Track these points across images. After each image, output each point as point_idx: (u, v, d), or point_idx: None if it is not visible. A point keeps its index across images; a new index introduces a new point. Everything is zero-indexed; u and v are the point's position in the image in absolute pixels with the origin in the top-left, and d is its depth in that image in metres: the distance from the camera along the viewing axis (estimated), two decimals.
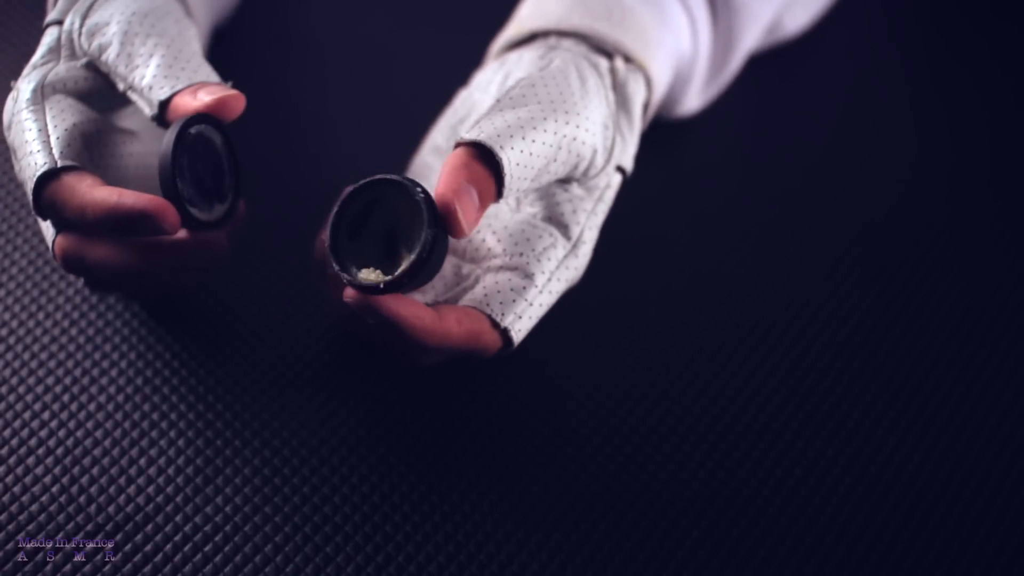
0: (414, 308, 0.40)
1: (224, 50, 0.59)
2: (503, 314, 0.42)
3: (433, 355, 0.44)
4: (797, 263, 0.53)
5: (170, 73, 0.43)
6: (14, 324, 0.50)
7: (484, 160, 0.41)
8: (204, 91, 0.43)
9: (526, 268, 0.43)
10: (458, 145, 0.41)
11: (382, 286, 0.39)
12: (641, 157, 0.51)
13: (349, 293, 0.40)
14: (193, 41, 0.46)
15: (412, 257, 0.40)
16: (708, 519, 0.45)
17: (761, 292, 0.52)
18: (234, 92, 0.43)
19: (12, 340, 0.49)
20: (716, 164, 0.57)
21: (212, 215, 0.44)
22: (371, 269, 0.41)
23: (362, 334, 0.48)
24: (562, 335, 0.50)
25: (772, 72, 0.61)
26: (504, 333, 0.43)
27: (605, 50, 0.48)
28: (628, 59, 0.48)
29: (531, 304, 0.43)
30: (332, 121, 0.57)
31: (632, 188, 0.52)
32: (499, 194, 0.41)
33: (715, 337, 0.50)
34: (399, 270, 0.40)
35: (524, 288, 0.43)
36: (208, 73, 0.44)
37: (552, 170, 0.43)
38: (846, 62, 0.62)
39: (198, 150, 0.43)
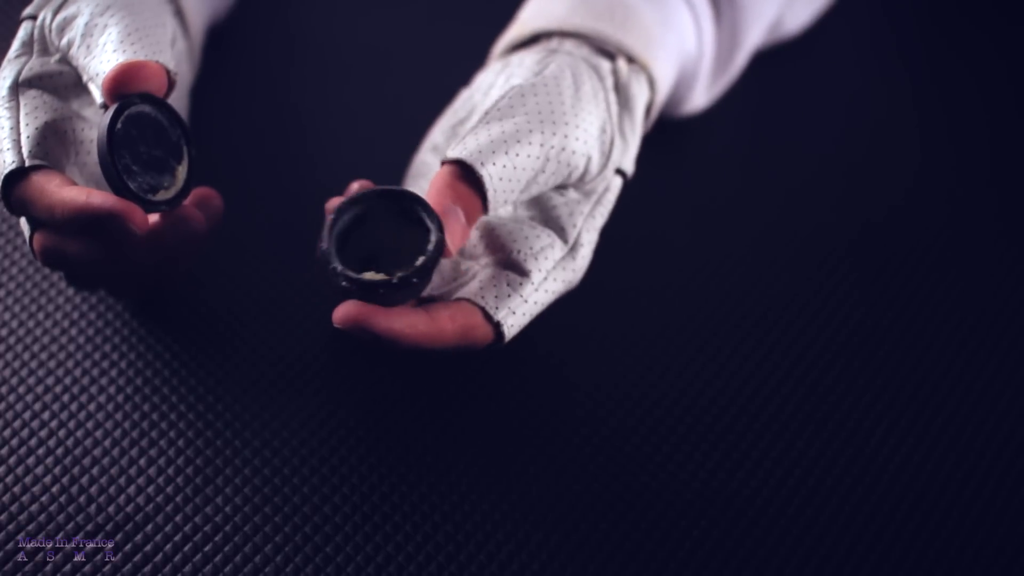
0: (406, 318, 0.40)
1: (222, 51, 0.59)
2: (497, 307, 0.42)
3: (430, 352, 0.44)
4: (797, 263, 0.53)
5: (112, 59, 0.42)
6: (14, 324, 0.50)
7: (468, 176, 0.42)
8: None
9: (523, 265, 0.43)
10: (443, 163, 0.42)
11: (395, 280, 0.39)
12: (643, 156, 0.51)
13: (339, 317, 0.40)
14: (155, 28, 0.45)
15: (424, 257, 0.40)
16: (708, 519, 0.45)
17: (761, 292, 0.52)
18: (136, 62, 0.41)
19: (12, 340, 0.49)
20: (716, 164, 0.57)
21: (176, 184, 0.43)
22: (372, 272, 0.41)
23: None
24: (562, 335, 0.50)
25: (773, 72, 0.61)
26: (497, 327, 0.43)
27: (608, 51, 0.48)
28: (631, 59, 0.48)
29: (526, 301, 0.43)
30: (330, 122, 0.57)
31: (633, 187, 0.52)
32: (486, 208, 0.42)
33: (715, 337, 0.50)
34: (413, 267, 0.40)
35: (520, 284, 0.43)
36: (151, 55, 0.43)
37: (542, 181, 0.44)
38: (847, 62, 0.62)
39: (133, 133, 0.42)
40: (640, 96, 0.48)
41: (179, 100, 0.51)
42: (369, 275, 0.40)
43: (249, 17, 0.61)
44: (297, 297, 0.51)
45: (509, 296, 0.43)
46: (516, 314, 0.43)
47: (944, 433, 0.48)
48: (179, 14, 0.51)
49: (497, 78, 0.48)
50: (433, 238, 0.41)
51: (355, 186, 0.45)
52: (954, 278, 0.53)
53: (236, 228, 0.52)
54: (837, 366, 0.50)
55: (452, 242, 0.41)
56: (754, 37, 0.55)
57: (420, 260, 0.40)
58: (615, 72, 0.47)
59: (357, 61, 0.60)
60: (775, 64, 0.61)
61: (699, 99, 0.55)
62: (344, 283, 0.40)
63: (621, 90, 0.47)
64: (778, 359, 0.50)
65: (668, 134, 0.57)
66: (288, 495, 0.45)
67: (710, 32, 0.52)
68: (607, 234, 0.49)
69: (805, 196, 0.56)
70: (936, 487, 0.46)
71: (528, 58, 0.48)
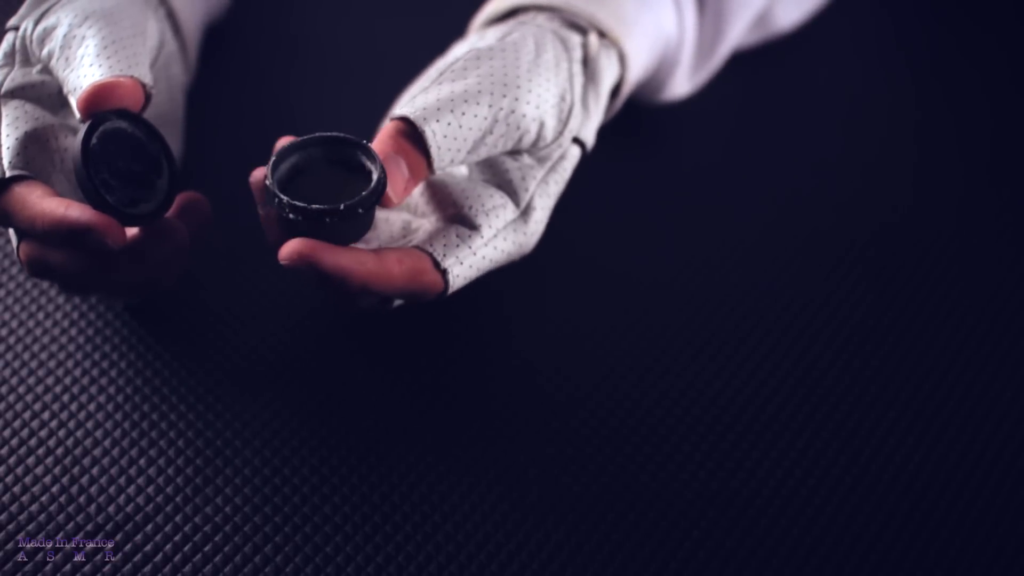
0: (354, 255, 0.40)
1: (221, 51, 0.59)
2: (444, 255, 0.43)
3: (373, 298, 0.44)
4: (798, 263, 0.53)
5: (90, 73, 0.42)
6: (14, 324, 0.50)
7: (413, 134, 0.42)
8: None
9: (474, 220, 0.43)
10: (390, 120, 0.43)
11: (342, 208, 0.39)
12: (643, 155, 0.51)
13: (285, 254, 0.40)
14: (132, 39, 0.44)
15: (369, 189, 0.40)
16: (708, 519, 0.45)
17: (761, 292, 0.52)
18: (109, 82, 0.42)
19: (12, 340, 0.49)
20: (718, 164, 0.57)
21: (156, 198, 0.43)
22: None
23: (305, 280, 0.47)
24: (562, 335, 0.50)
25: (777, 71, 0.61)
26: (444, 275, 0.43)
27: (580, 25, 0.48)
28: (603, 35, 0.48)
29: (474, 253, 0.43)
30: (328, 122, 0.57)
31: (633, 186, 0.52)
32: (431, 167, 0.42)
33: (715, 337, 0.50)
34: (359, 196, 0.40)
35: (470, 236, 0.43)
36: (126, 68, 0.43)
37: (490, 143, 0.44)
38: (851, 61, 0.62)
39: (110, 149, 0.42)
40: (608, 71, 0.48)
41: (174, 100, 0.51)
42: (318, 205, 0.40)
43: (248, 18, 0.61)
44: (297, 297, 0.51)
45: (458, 246, 0.43)
46: (463, 265, 0.43)
47: (944, 433, 0.48)
48: (170, 15, 0.51)
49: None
50: (375, 176, 0.41)
51: (283, 141, 0.45)
52: (955, 277, 0.53)
53: (236, 228, 0.52)
54: (837, 366, 0.50)
55: (394, 192, 0.41)
56: (739, 27, 0.55)
57: (366, 191, 0.40)
58: (584, 45, 0.47)
59: (355, 62, 0.60)
60: (776, 62, 0.61)
61: (681, 86, 0.56)
62: (291, 214, 0.40)
63: (589, 63, 0.47)
64: (778, 359, 0.50)
65: (670, 133, 0.57)
66: (288, 495, 0.45)
67: (692, 17, 0.53)
68: (608, 235, 0.49)
69: (806, 196, 0.56)
70: (936, 487, 0.46)
71: (502, 30, 0.48)
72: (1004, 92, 0.61)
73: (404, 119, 0.42)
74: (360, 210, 0.40)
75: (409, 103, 0.43)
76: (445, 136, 0.42)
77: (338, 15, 0.62)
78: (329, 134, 0.42)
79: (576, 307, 0.51)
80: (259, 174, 0.43)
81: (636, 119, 0.56)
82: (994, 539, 0.45)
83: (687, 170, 0.57)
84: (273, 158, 0.41)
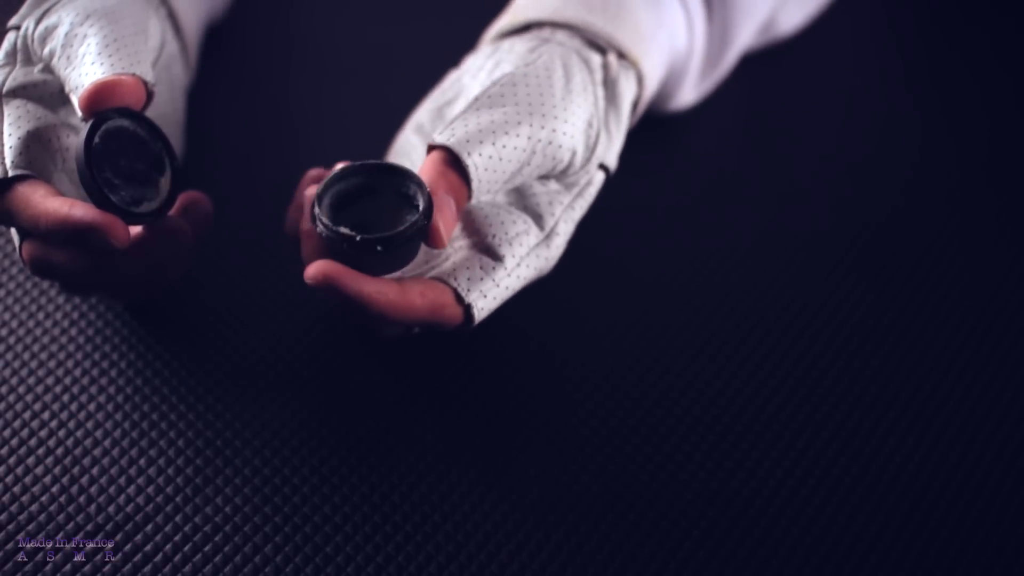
0: (376, 284, 0.40)
1: (221, 51, 0.59)
2: (468, 289, 0.43)
3: (396, 327, 0.44)
4: (797, 263, 0.53)
5: (91, 71, 0.42)
6: (14, 324, 0.50)
7: (456, 164, 0.42)
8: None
9: (497, 250, 0.43)
10: (430, 148, 0.43)
11: (359, 239, 0.40)
12: (643, 156, 0.51)
13: (310, 274, 0.40)
14: (134, 37, 0.44)
15: (396, 230, 0.40)
16: (708, 519, 0.45)
17: (761, 292, 0.52)
18: (110, 80, 0.41)
19: (12, 340, 0.49)
20: (717, 164, 0.57)
21: (160, 196, 0.43)
22: (348, 228, 0.41)
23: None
24: (562, 336, 0.50)
25: (776, 72, 0.61)
26: (467, 309, 0.43)
27: (598, 45, 0.48)
28: (621, 55, 0.48)
29: (497, 285, 0.43)
30: (329, 123, 0.57)
31: (633, 187, 0.52)
32: (469, 197, 0.42)
33: (715, 337, 0.50)
34: (382, 235, 0.40)
35: (493, 268, 0.43)
36: (128, 66, 0.43)
37: (526, 172, 0.44)
38: (848, 62, 0.62)
39: (113, 147, 0.42)
40: (628, 92, 0.48)
41: (175, 100, 0.51)
42: (343, 229, 0.40)
43: (247, 18, 0.61)
44: (297, 297, 0.51)
45: (482, 279, 0.43)
46: (487, 298, 0.43)
47: (944, 433, 0.48)
48: (171, 16, 0.51)
49: (486, 62, 0.48)
50: (410, 218, 0.41)
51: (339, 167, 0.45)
52: (954, 277, 0.53)
53: (236, 228, 0.52)
54: (837, 366, 0.50)
55: (446, 231, 0.41)
56: (745, 36, 0.55)
57: (392, 232, 0.40)
58: (605, 66, 0.47)
59: (355, 62, 0.60)
60: (775, 64, 0.61)
61: (687, 95, 0.56)
62: (319, 228, 0.40)
63: (609, 85, 0.47)
64: (778, 359, 0.50)
65: (670, 134, 0.57)
66: (288, 495, 0.45)
67: (701, 29, 0.53)
68: (607, 234, 0.49)
69: (805, 196, 0.56)
70: (936, 487, 0.46)
71: (519, 45, 0.48)
72: (1001, 93, 0.61)
73: (446, 148, 0.42)
74: (379, 247, 0.40)
75: (447, 130, 0.43)
76: (486, 169, 0.42)
77: (337, 16, 0.62)
78: (401, 167, 0.42)
79: (576, 307, 0.51)
80: (314, 174, 0.43)
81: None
82: (994, 539, 0.45)
83: (686, 170, 0.57)
84: (333, 174, 0.42)
